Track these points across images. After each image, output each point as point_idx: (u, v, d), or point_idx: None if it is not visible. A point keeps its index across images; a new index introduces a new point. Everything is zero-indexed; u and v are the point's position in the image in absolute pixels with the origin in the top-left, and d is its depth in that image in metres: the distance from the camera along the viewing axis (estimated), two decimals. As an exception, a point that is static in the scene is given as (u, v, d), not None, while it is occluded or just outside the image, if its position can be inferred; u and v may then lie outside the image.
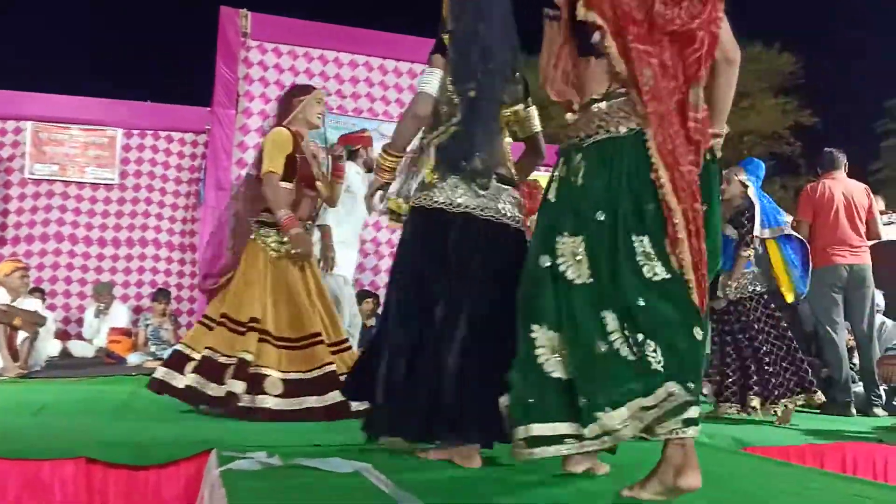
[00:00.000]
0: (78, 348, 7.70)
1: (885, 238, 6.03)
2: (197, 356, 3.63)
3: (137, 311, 8.67)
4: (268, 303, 3.69)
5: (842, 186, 5.26)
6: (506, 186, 2.67)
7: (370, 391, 2.60)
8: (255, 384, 3.51)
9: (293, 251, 3.72)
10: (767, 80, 16.13)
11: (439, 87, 2.65)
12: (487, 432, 2.45)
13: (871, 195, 5.35)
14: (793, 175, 16.53)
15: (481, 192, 2.61)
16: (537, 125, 2.86)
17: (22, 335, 5.72)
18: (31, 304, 6.06)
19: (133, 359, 6.80)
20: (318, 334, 3.71)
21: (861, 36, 17.82)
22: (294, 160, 3.78)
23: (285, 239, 3.72)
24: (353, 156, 4.71)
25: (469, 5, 2.71)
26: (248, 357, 3.54)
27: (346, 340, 3.95)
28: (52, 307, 8.06)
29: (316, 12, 9.67)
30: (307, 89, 4.14)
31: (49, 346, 6.60)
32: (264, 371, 3.56)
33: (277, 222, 3.70)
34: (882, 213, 6.23)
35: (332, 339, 3.80)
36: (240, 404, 3.46)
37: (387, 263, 9.23)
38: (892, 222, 6.43)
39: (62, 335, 7.95)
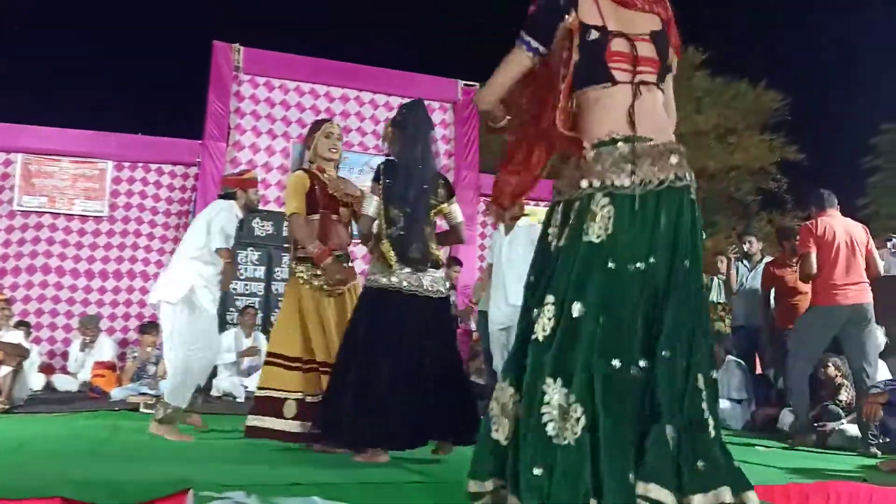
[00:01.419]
0: (62, 382, 7.61)
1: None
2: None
3: (124, 344, 8.61)
4: (298, 334, 3.91)
5: (842, 224, 5.26)
6: (431, 269, 3.69)
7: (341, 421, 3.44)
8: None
9: (329, 281, 3.88)
10: (753, 117, 16.31)
11: (377, 208, 3.66)
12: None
13: (869, 232, 5.37)
14: (779, 211, 16.67)
15: (418, 275, 3.64)
16: (459, 217, 3.93)
17: (5, 369, 5.66)
18: (14, 336, 6.01)
19: (117, 393, 6.71)
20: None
21: (847, 72, 18.17)
22: (314, 194, 3.91)
23: (318, 272, 3.88)
24: (230, 197, 4.65)
25: (403, 135, 3.74)
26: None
27: None
28: (37, 340, 8.00)
29: (307, 47, 9.77)
30: (317, 126, 4.20)
31: (32, 380, 6.53)
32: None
33: (310, 256, 3.86)
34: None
35: None
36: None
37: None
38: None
39: (46, 369, 7.86)
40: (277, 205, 9.27)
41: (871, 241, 5.34)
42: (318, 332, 3.86)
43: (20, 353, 5.81)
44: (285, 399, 3.82)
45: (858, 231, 5.26)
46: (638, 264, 1.93)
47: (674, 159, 2.04)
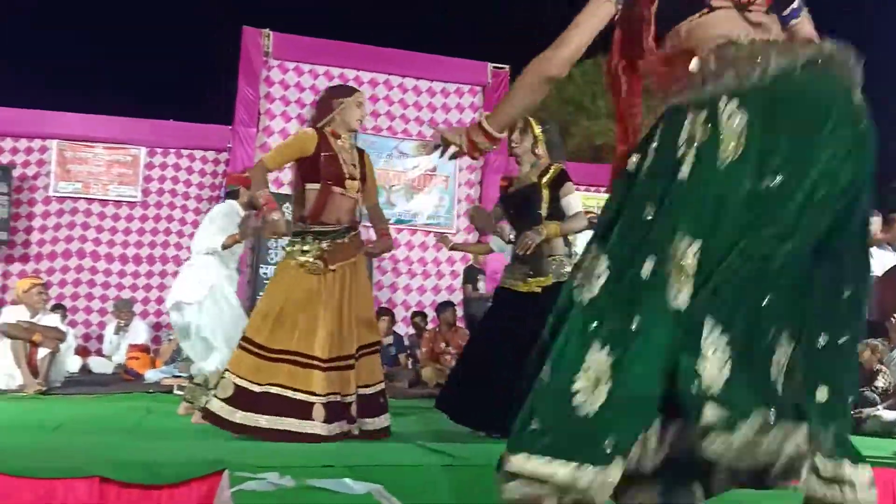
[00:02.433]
0: (97, 364, 7.78)
1: None
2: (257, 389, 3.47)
3: (157, 327, 8.76)
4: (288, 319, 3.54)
5: None
6: None
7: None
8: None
9: (267, 233, 3.70)
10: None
11: None
12: None
13: None
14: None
15: None
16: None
17: (42, 351, 5.78)
18: (51, 320, 6.13)
19: (151, 375, 6.83)
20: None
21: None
22: (317, 160, 3.61)
23: (309, 247, 3.58)
24: (233, 195, 4.65)
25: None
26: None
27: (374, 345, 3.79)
28: (72, 323, 8.17)
29: (336, 32, 9.80)
30: (348, 91, 3.94)
31: (69, 362, 6.66)
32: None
33: (255, 202, 3.63)
34: None
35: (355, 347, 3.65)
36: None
37: (405, 281, 9.25)
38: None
39: (82, 351, 8.03)
40: (275, 186, 9.32)
41: None
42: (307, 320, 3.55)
43: (57, 337, 5.94)
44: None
45: None
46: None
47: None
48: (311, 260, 3.57)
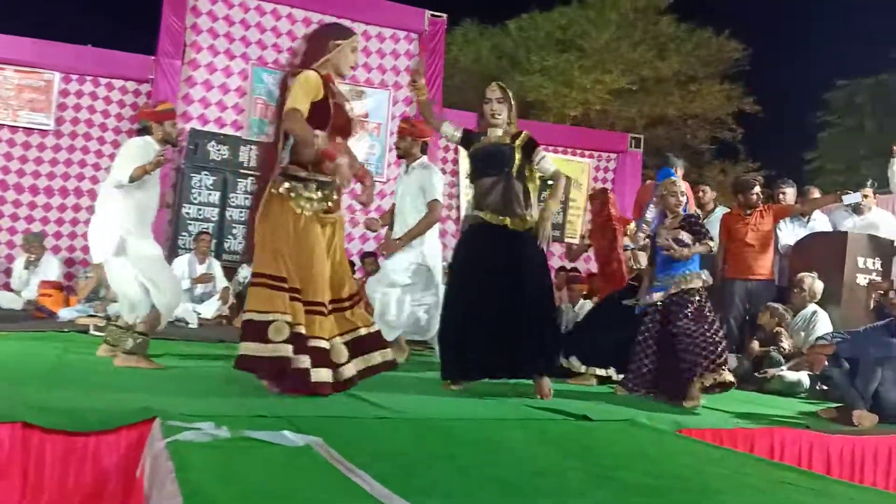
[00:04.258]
0: (5, 300, 7.41)
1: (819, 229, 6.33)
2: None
3: (70, 263, 8.41)
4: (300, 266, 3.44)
5: None
6: None
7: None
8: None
9: (339, 182, 3.46)
10: (714, 66, 16.39)
11: None
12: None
13: None
14: (732, 161, 16.96)
15: None
16: None
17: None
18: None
19: (64, 314, 6.57)
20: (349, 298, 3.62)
21: (807, 27, 18.30)
22: (326, 107, 3.42)
23: (313, 195, 3.44)
24: (146, 132, 4.37)
25: None
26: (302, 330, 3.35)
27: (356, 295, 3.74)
28: (-23, 256, 7.75)
29: (270, -36, 9.34)
30: (346, 32, 3.66)
31: (-27, 296, 6.33)
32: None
33: (315, 152, 3.33)
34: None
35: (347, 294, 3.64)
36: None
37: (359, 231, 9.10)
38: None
39: (-12, 285, 7.65)
40: (234, 128, 9.04)
41: None
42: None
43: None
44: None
45: None
46: None
47: None
48: (322, 211, 3.48)
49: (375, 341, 3.67)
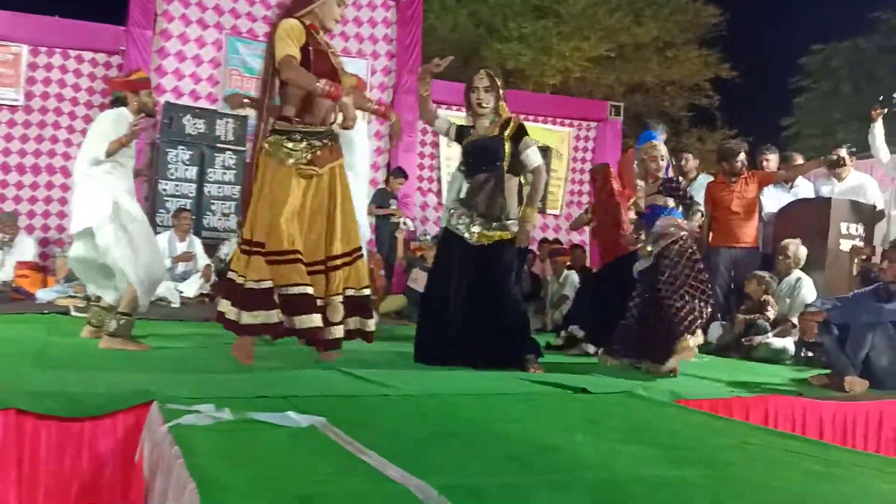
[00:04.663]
0: (-21, 282, 7.23)
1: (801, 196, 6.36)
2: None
3: (44, 243, 8.22)
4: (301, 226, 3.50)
5: None
6: None
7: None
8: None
9: (348, 123, 3.46)
10: (692, 32, 16.31)
11: None
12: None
13: None
14: (709, 128, 16.98)
15: None
16: None
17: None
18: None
19: (43, 295, 6.43)
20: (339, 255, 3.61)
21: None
22: (307, 53, 3.38)
23: (295, 147, 3.43)
24: (120, 102, 4.22)
25: None
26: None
27: (358, 250, 3.77)
28: (-51, 236, 7.53)
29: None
30: None
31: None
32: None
33: (319, 93, 3.34)
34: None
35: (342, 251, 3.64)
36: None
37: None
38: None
39: (-39, 267, 7.44)
40: (209, 101, 8.85)
41: None
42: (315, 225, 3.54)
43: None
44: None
45: None
46: None
47: None
48: (303, 164, 3.43)
49: (363, 307, 3.67)
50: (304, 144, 3.44)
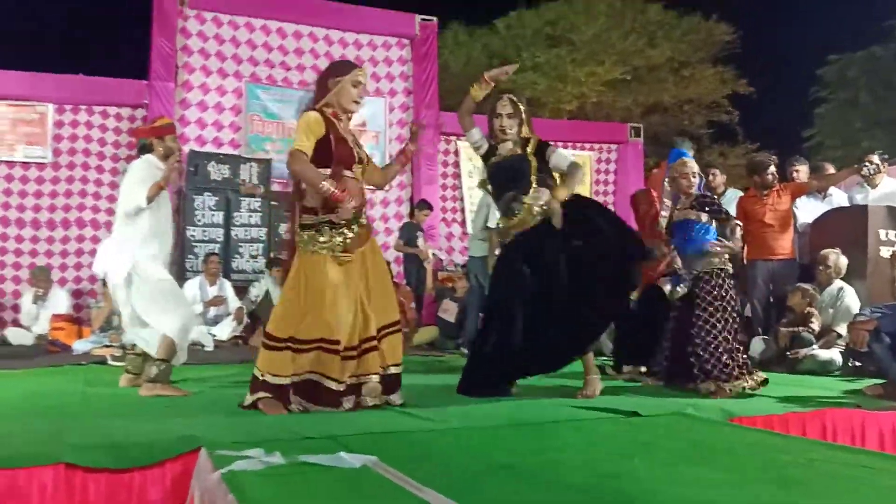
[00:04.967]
0: (15, 336, 7.29)
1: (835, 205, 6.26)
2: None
3: (77, 294, 8.30)
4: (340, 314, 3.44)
5: None
6: None
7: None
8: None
9: (338, 218, 3.45)
10: (705, 50, 16.35)
11: None
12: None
13: None
14: (730, 144, 16.90)
15: None
16: None
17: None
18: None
19: (79, 346, 6.46)
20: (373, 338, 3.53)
21: (795, 4, 18.25)
22: (328, 142, 3.44)
23: (327, 238, 3.44)
24: (146, 150, 4.27)
25: None
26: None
27: (396, 323, 3.67)
28: (-16, 294, 7.64)
29: (257, -20, 9.26)
30: (344, 69, 3.63)
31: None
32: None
33: (322, 193, 3.36)
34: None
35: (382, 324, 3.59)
36: None
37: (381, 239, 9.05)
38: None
39: (-2, 323, 7.54)
40: (232, 147, 8.95)
41: None
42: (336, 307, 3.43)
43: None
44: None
45: None
46: None
47: None
48: (340, 253, 3.45)
49: (394, 384, 3.57)
50: (336, 237, 3.47)
